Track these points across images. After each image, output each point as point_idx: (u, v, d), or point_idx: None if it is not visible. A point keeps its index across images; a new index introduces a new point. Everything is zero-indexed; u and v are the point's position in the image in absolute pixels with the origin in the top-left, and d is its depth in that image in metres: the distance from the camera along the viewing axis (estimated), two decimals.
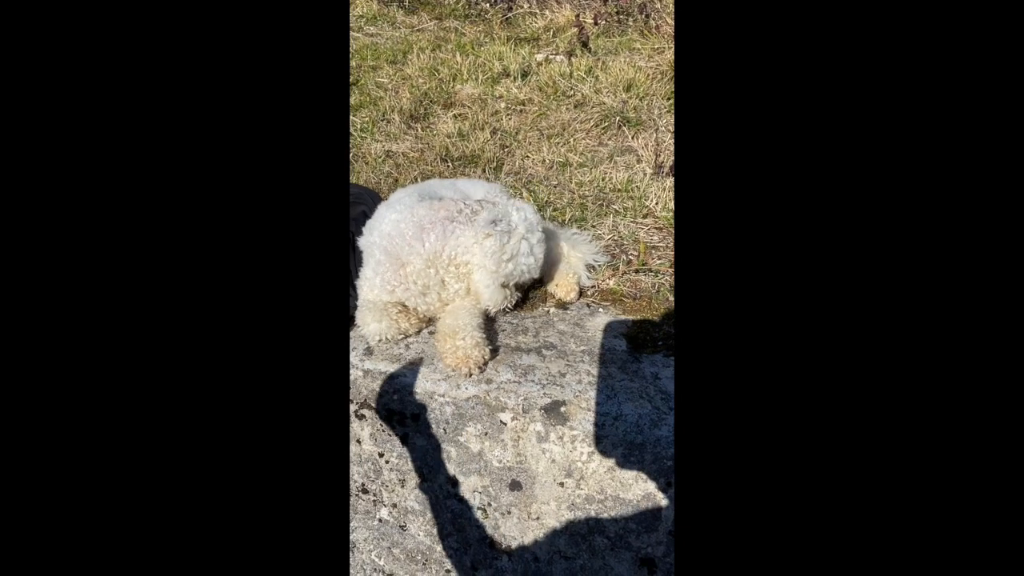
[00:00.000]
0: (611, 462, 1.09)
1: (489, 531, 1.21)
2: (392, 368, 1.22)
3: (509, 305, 1.29)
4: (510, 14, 3.42)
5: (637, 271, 1.47)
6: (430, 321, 1.30)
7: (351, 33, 3.37)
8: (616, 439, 1.08)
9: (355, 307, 1.28)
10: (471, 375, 1.15)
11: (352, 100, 2.59)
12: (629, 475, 1.08)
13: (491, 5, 3.52)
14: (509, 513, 1.18)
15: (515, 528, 1.18)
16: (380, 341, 1.25)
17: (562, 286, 1.36)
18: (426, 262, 1.20)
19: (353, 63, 2.95)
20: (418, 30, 3.43)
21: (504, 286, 1.24)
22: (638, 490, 1.08)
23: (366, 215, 1.36)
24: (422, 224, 1.20)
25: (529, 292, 1.42)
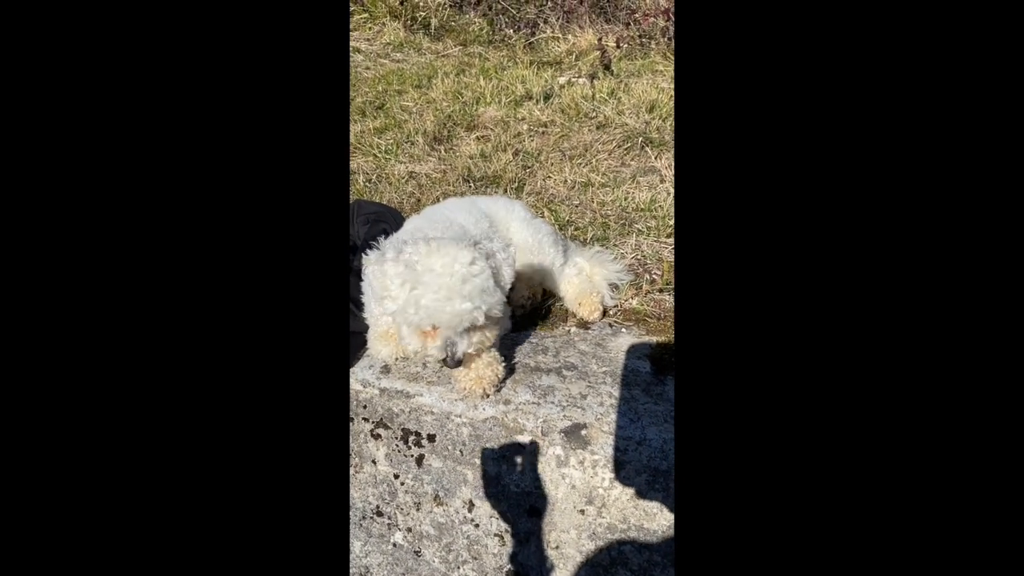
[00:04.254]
0: (634, 489, 1.04)
1: (506, 559, 1.16)
2: (409, 387, 1.19)
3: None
4: (533, 39, 3.47)
5: (661, 290, 1.43)
6: None
7: (379, 60, 3.45)
8: (640, 465, 1.03)
9: (364, 327, 1.26)
10: (487, 396, 1.12)
11: (377, 123, 2.63)
12: (653, 504, 1.03)
13: (515, 31, 3.57)
14: (527, 541, 1.13)
15: (533, 557, 1.13)
16: (396, 361, 1.23)
17: (584, 305, 1.33)
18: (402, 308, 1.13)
19: (379, 87, 3.00)
20: (443, 56, 3.50)
21: (473, 298, 1.03)
22: (664, 520, 1.03)
23: (387, 233, 1.36)
24: (388, 275, 1.11)
25: (550, 312, 1.39)
